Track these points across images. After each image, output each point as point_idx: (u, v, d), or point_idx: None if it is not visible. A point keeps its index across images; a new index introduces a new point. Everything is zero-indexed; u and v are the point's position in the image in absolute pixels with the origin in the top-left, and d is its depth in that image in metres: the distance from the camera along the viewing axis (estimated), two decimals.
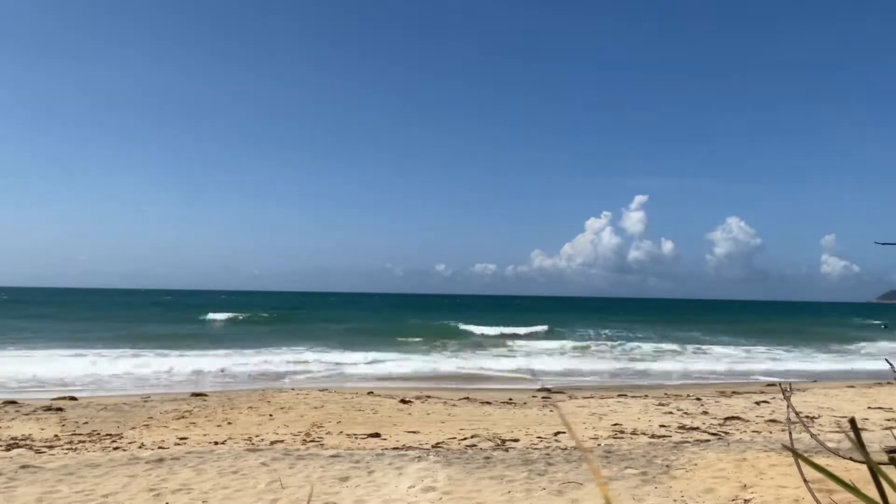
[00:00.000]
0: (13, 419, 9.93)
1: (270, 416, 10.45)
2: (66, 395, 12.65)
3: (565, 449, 7.82)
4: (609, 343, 29.11)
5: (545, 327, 38.49)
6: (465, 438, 8.65)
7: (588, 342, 29.52)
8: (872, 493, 0.54)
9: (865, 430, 9.15)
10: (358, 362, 19.41)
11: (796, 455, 0.57)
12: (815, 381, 17.00)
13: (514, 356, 23.11)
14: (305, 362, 19.74)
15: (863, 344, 32.09)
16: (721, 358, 23.79)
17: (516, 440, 8.53)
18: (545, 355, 23.93)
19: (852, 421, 0.50)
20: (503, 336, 32.62)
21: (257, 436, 8.85)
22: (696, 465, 6.76)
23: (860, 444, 0.48)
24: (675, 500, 5.57)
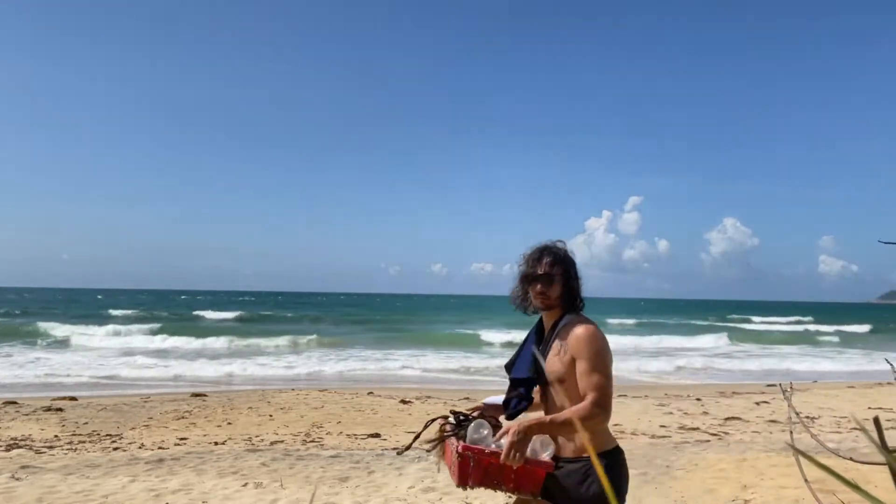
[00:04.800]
0: (13, 419, 9.93)
1: (270, 416, 10.45)
2: (66, 395, 12.64)
3: None
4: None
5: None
6: None
7: None
8: (872, 493, 0.54)
9: (866, 430, 9.13)
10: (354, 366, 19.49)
11: (801, 454, 0.57)
12: (815, 381, 17.00)
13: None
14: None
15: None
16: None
17: None
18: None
19: (876, 420, 0.50)
20: (503, 337, 32.56)
21: (257, 436, 8.85)
22: (696, 465, 6.76)
23: (883, 442, 0.48)
24: (675, 501, 5.57)
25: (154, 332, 29.53)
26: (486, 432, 2.51)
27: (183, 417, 10.25)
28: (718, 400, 12.61)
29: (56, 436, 8.81)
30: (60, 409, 10.79)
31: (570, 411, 2.37)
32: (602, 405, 2.36)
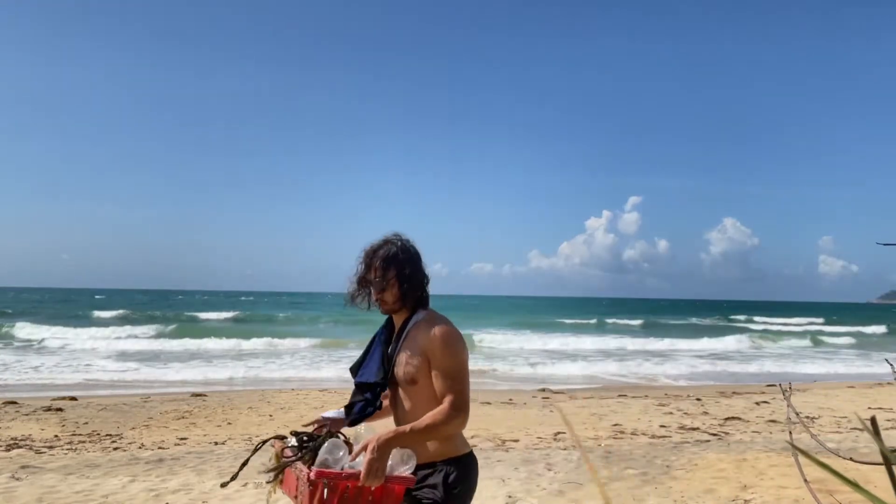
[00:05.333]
0: (13, 419, 9.93)
1: (270, 416, 10.46)
2: (66, 395, 12.64)
3: (565, 449, 7.82)
4: (604, 343, 29.08)
5: (544, 328, 38.56)
6: None
7: (585, 343, 29.46)
8: (873, 493, 0.54)
9: (871, 430, 9.14)
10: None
11: (802, 453, 0.57)
12: (814, 381, 17.01)
13: (514, 357, 23.10)
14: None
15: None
16: None
17: (516, 440, 8.53)
18: (545, 356, 23.92)
19: (873, 420, 0.50)
20: (503, 337, 32.57)
21: (257, 436, 8.85)
22: (696, 465, 6.77)
23: (880, 441, 0.48)
24: (675, 501, 5.57)
25: (153, 332, 29.55)
26: (342, 453, 2.20)
27: (183, 417, 10.26)
28: (718, 400, 12.61)
29: (56, 436, 8.81)
30: (60, 409, 10.80)
31: (430, 417, 2.23)
32: (461, 407, 2.26)
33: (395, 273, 2.39)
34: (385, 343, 2.51)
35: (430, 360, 2.31)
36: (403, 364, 2.36)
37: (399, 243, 2.44)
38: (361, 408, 2.44)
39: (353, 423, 2.45)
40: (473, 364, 22.02)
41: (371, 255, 2.43)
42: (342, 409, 2.54)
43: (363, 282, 2.46)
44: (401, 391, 2.41)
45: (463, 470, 2.33)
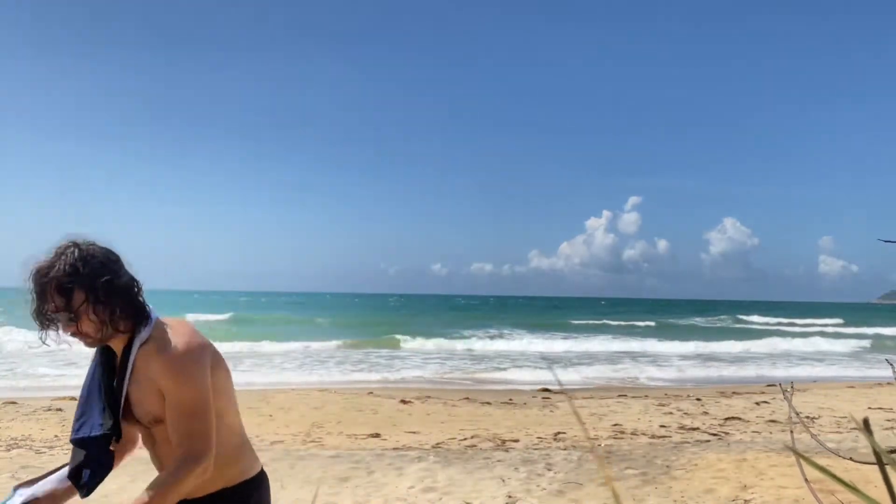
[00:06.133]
0: (13, 419, 9.93)
1: (270, 416, 10.45)
2: (66, 395, 12.64)
3: (565, 449, 7.82)
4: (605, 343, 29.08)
5: (544, 329, 38.57)
6: (465, 439, 8.66)
7: (585, 343, 29.47)
8: (872, 493, 0.54)
9: (869, 433, 9.14)
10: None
11: (800, 456, 0.57)
12: (814, 381, 17.00)
13: (512, 356, 23.10)
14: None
15: None
16: None
17: (516, 440, 8.53)
18: (544, 356, 23.92)
19: (866, 421, 0.50)
20: (501, 337, 32.60)
21: (257, 436, 8.85)
22: (696, 465, 6.77)
23: (873, 443, 0.48)
24: (675, 501, 5.57)
25: None
26: None
27: None
28: (718, 400, 12.61)
29: (56, 436, 8.82)
30: (60, 409, 10.79)
31: (166, 477, 1.78)
32: (200, 453, 1.76)
33: (85, 295, 1.74)
34: (106, 378, 1.91)
35: (164, 395, 1.81)
36: (140, 403, 1.85)
37: (76, 252, 1.75)
38: (91, 474, 1.91)
39: (87, 495, 1.95)
40: (472, 364, 21.89)
41: (42, 281, 1.75)
42: (61, 473, 2.00)
43: (43, 317, 1.78)
44: (152, 431, 1.92)
45: (251, 495, 1.97)
